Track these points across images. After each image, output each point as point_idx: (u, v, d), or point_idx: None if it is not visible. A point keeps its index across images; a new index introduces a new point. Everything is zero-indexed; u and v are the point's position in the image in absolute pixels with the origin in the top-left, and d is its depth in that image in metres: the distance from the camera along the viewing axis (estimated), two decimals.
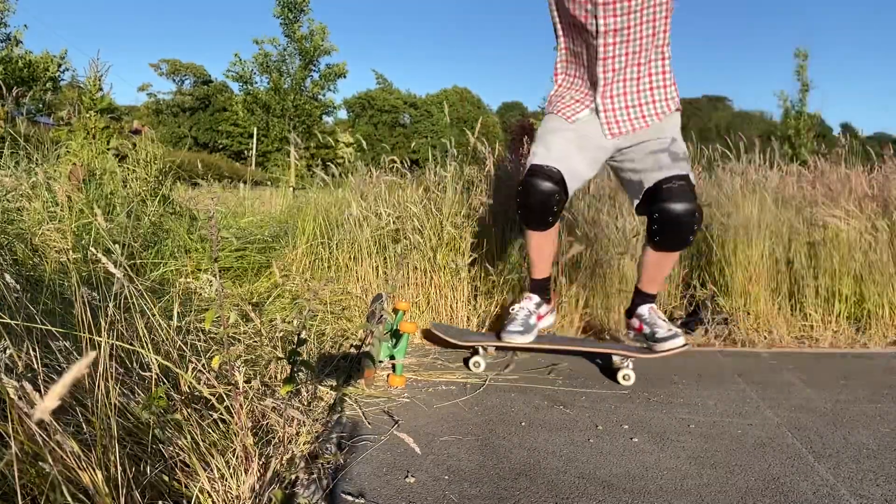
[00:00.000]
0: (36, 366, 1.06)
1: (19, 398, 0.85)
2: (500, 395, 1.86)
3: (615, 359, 2.12)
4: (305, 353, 1.98)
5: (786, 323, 2.71)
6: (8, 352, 1.00)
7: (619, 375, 2.02)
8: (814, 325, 2.72)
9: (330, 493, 1.20)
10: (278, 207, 4.36)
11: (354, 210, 2.84)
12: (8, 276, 1.16)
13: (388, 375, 1.94)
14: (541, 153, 1.98)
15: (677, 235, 1.88)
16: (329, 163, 3.35)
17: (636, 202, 2.00)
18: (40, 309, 1.37)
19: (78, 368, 0.47)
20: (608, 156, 2.04)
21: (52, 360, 1.22)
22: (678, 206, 1.83)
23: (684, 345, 2.03)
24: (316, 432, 1.43)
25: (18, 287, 1.23)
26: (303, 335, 1.38)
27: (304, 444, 1.32)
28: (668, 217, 1.85)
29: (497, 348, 2.21)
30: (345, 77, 21.92)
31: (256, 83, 21.53)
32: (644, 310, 2.10)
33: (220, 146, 41.74)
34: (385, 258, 2.76)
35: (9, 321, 1.13)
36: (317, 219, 2.98)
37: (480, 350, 2.16)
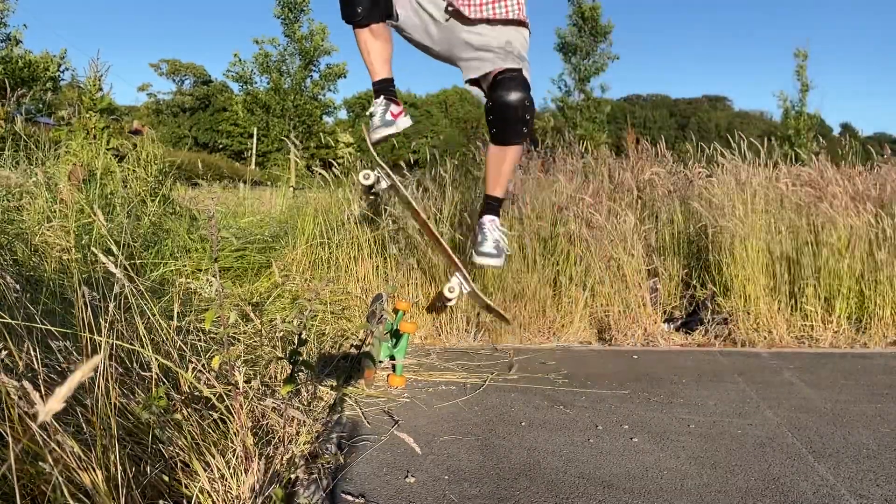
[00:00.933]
0: (36, 366, 1.06)
1: (20, 398, 0.85)
2: (500, 396, 1.86)
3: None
4: (305, 353, 1.98)
5: (786, 323, 2.71)
6: (4, 353, 1.00)
7: (445, 288, 2.02)
8: (814, 325, 2.71)
9: (330, 493, 1.20)
10: (278, 207, 4.36)
11: (355, 210, 2.84)
12: (8, 277, 1.16)
13: (388, 375, 1.94)
14: None
15: (508, 123, 1.99)
16: (330, 162, 3.34)
17: (468, 77, 2.08)
18: (40, 309, 1.37)
19: (83, 371, 0.47)
20: (433, 29, 2.10)
21: (52, 360, 1.22)
22: (508, 95, 1.95)
23: (499, 265, 2.07)
24: (316, 432, 1.43)
25: (18, 287, 1.23)
26: (303, 335, 1.38)
27: (304, 444, 1.32)
28: (499, 104, 1.96)
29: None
30: (345, 77, 21.88)
31: (256, 83, 21.51)
32: (486, 219, 2.13)
33: (220, 146, 41.74)
34: (385, 258, 2.75)
35: (9, 321, 1.13)
36: (317, 219, 2.98)
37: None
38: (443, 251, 2.17)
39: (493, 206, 2.13)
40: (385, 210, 2.82)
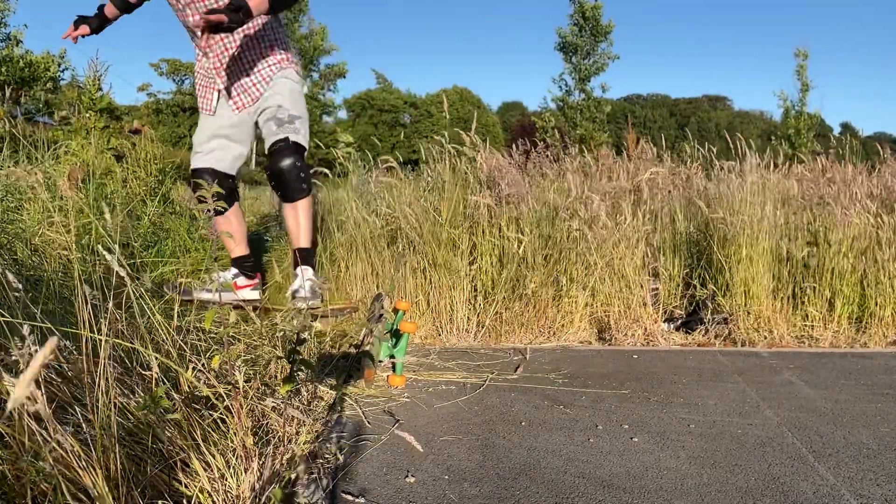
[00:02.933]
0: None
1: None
2: (500, 395, 1.86)
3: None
4: (305, 352, 1.98)
5: (786, 322, 2.71)
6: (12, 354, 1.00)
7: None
8: (814, 324, 2.71)
9: (330, 493, 1.20)
10: (278, 207, 4.35)
11: (354, 210, 2.84)
12: (10, 276, 1.16)
13: (387, 375, 1.94)
14: (198, 157, 2.45)
15: (287, 185, 2.31)
16: (330, 162, 3.35)
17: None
18: (40, 308, 1.37)
19: (43, 354, 0.48)
20: (252, 123, 2.45)
21: (52, 360, 1.22)
22: (280, 163, 2.28)
23: (317, 304, 2.34)
24: (316, 432, 1.43)
25: (20, 286, 1.23)
26: (302, 335, 1.38)
27: (304, 444, 1.32)
28: (275, 171, 2.31)
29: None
30: (344, 77, 21.90)
31: None
32: (299, 270, 2.42)
33: None
34: (385, 258, 2.75)
35: (10, 319, 1.13)
36: (316, 218, 2.98)
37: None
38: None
39: (304, 257, 2.42)
40: (385, 210, 2.82)
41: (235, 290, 2.44)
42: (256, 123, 2.46)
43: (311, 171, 2.38)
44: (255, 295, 2.55)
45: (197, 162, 2.43)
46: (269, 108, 2.36)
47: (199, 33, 2.23)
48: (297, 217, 2.37)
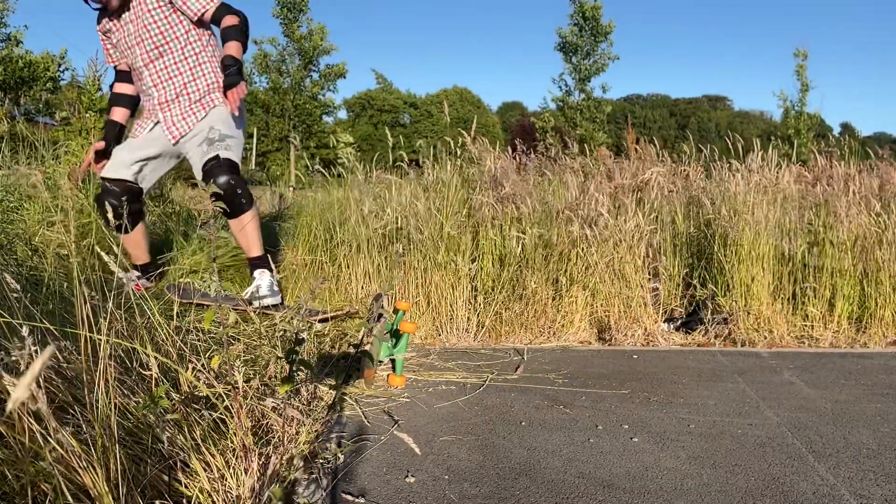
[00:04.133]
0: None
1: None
2: (500, 395, 1.86)
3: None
4: (304, 352, 1.98)
5: (786, 323, 2.71)
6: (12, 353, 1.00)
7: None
8: (814, 324, 2.71)
9: (330, 493, 1.20)
10: (278, 207, 4.35)
11: (355, 210, 2.84)
12: (8, 276, 1.16)
13: (387, 375, 1.94)
14: (107, 168, 2.45)
15: (229, 202, 2.36)
16: (331, 161, 3.35)
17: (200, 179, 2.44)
18: (40, 308, 1.37)
19: (43, 359, 0.48)
20: (176, 150, 2.51)
21: (52, 360, 1.22)
22: (217, 180, 2.33)
23: (278, 301, 2.44)
24: (316, 432, 1.43)
25: (19, 287, 1.22)
26: (301, 335, 1.38)
27: (303, 444, 1.32)
28: (217, 188, 2.33)
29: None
30: (344, 77, 21.87)
31: (256, 83, 21.49)
32: (256, 273, 2.50)
33: None
34: (386, 258, 2.75)
35: (10, 320, 1.13)
36: (316, 218, 2.98)
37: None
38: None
39: (257, 263, 2.49)
40: (386, 209, 2.82)
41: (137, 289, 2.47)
42: (178, 154, 2.55)
43: (246, 185, 2.46)
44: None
45: (105, 172, 2.45)
46: (201, 132, 2.43)
47: (143, 75, 2.46)
48: (245, 230, 2.44)
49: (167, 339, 1.38)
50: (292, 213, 3.54)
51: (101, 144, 2.51)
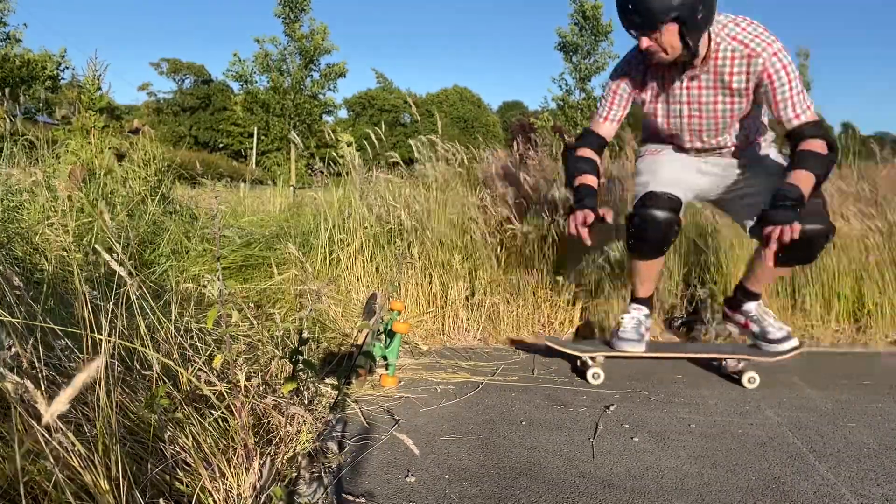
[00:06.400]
0: (38, 365, 1.06)
1: (21, 398, 0.85)
2: (500, 395, 1.86)
3: (729, 362, 2.08)
4: (306, 352, 1.98)
5: (786, 322, 2.71)
6: (14, 350, 1.00)
7: (745, 379, 1.98)
8: (814, 324, 2.71)
9: (330, 492, 1.20)
10: (278, 206, 4.35)
11: (356, 209, 2.84)
12: (10, 274, 1.16)
13: (380, 375, 1.94)
14: (651, 181, 1.96)
15: (807, 253, 1.84)
16: (331, 160, 3.35)
17: (749, 224, 1.92)
18: (41, 307, 1.37)
19: (87, 373, 0.47)
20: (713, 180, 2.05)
21: (53, 359, 1.22)
22: (811, 227, 1.74)
23: (801, 345, 2.05)
24: (317, 431, 1.43)
25: (21, 286, 1.23)
26: (304, 334, 1.38)
27: (305, 443, 1.32)
28: (806, 239, 1.72)
29: (607, 357, 2.13)
30: (344, 76, 21.85)
31: (257, 82, 21.49)
32: (751, 307, 2.10)
33: (221, 145, 41.77)
34: (385, 257, 2.75)
35: (11, 319, 1.13)
36: (317, 218, 2.98)
37: (590, 362, 2.06)
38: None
39: (752, 296, 2.10)
40: (386, 209, 2.82)
41: (646, 332, 2.13)
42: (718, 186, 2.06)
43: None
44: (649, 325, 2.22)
45: (654, 185, 1.95)
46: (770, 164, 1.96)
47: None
48: (782, 273, 2.04)
49: (168, 338, 1.38)
50: (293, 213, 3.54)
51: (591, 215, 1.85)
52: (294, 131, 20.39)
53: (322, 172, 3.31)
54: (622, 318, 2.13)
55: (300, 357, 1.30)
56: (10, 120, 3.38)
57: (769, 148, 2.05)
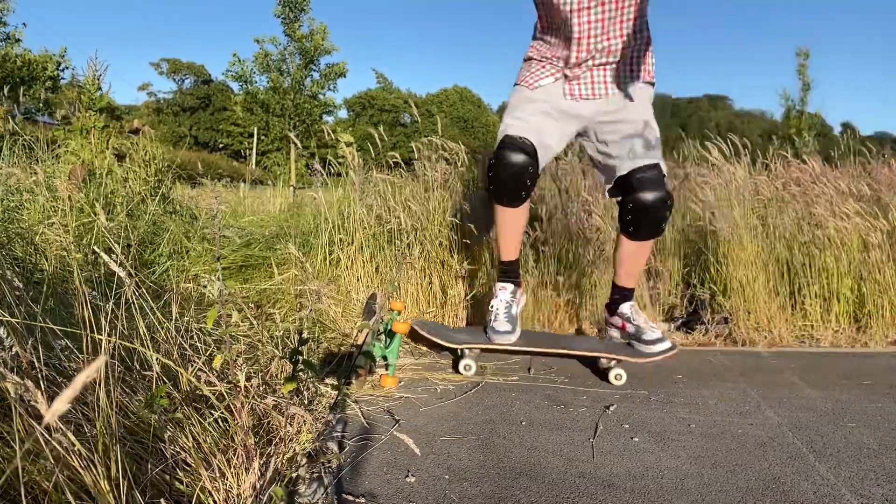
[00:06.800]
0: (38, 365, 1.06)
1: (21, 398, 0.85)
2: (500, 395, 1.86)
3: (601, 360, 2.10)
4: (306, 352, 1.98)
5: (786, 322, 2.71)
6: (14, 349, 1.00)
7: (611, 375, 2.00)
8: (814, 324, 2.71)
9: (331, 492, 1.20)
10: (278, 206, 4.35)
11: (356, 209, 2.84)
12: (9, 274, 1.16)
13: (380, 375, 1.94)
14: (514, 124, 1.98)
15: (651, 224, 1.95)
16: (331, 161, 3.35)
17: (608, 186, 2.05)
18: (41, 307, 1.37)
19: (87, 373, 0.47)
20: (577, 128, 2.05)
21: (52, 359, 1.22)
22: (650, 196, 1.90)
23: (672, 348, 2.06)
24: (317, 431, 1.43)
25: (21, 286, 1.22)
26: (304, 335, 1.38)
27: (305, 443, 1.32)
28: (642, 206, 1.91)
29: (483, 350, 2.13)
30: (344, 76, 21.87)
31: (256, 83, 21.51)
32: (626, 308, 2.13)
33: (221, 145, 41.77)
34: (385, 257, 2.75)
35: (11, 319, 1.13)
36: (317, 218, 2.98)
37: (466, 352, 2.07)
38: None
39: (628, 294, 2.14)
40: (386, 209, 2.82)
41: (518, 307, 2.13)
42: (583, 133, 2.08)
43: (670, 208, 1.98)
44: (523, 302, 2.24)
45: (514, 130, 1.95)
46: (632, 123, 1.95)
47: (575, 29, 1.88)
48: (641, 254, 2.05)
49: (168, 338, 1.38)
50: (293, 213, 3.54)
51: None
52: (294, 131, 20.40)
53: (321, 172, 3.31)
54: (492, 306, 2.12)
55: (300, 357, 1.30)
56: (11, 120, 3.38)
57: (645, 89, 2.01)
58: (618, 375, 2.01)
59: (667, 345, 2.05)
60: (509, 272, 2.15)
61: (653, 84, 2.04)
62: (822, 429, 1.61)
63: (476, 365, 2.05)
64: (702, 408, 1.77)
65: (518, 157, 1.92)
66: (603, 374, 2.06)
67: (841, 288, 2.73)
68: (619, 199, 2.01)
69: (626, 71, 1.97)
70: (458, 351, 2.10)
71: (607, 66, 1.97)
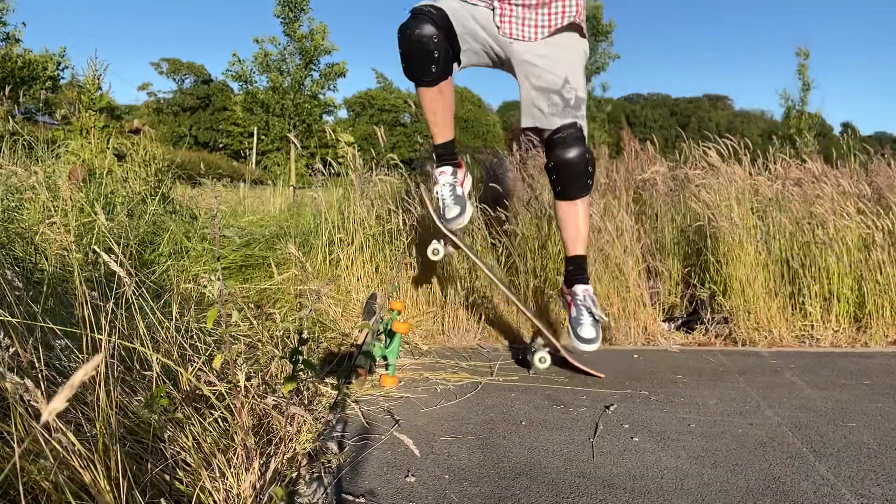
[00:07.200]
0: (37, 364, 1.06)
1: (21, 398, 0.85)
2: (500, 395, 1.86)
3: (538, 339, 2.09)
4: (306, 352, 1.98)
5: (786, 322, 2.71)
6: (13, 350, 1.00)
7: (536, 357, 2.00)
8: (814, 324, 2.71)
9: (331, 492, 1.20)
10: (278, 206, 4.35)
11: (356, 209, 2.84)
12: (10, 274, 1.16)
13: (380, 375, 1.94)
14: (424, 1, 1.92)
15: (574, 181, 1.94)
16: (331, 161, 3.35)
17: (525, 122, 1.99)
18: (41, 307, 1.37)
19: (85, 371, 0.47)
20: (496, 48, 1.97)
21: (53, 359, 1.22)
22: (571, 154, 1.90)
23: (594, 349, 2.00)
24: (317, 431, 1.43)
25: (21, 285, 1.22)
26: (304, 335, 1.38)
27: (305, 443, 1.32)
28: (563, 164, 1.92)
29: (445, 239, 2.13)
30: (344, 76, 21.86)
31: (256, 83, 21.51)
32: (580, 290, 2.04)
33: (221, 145, 41.76)
34: (385, 257, 2.76)
35: (11, 319, 1.13)
36: (317, 218, 2.98)
37: (435, 241, 2.09)
38: (522, 312, 2.19)
39: (583, 267, 2.03)
40: (386, 209, 2.82)
41: (462, 188, 2.08)
42: (503, 63, 2.01)
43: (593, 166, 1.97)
44: (469, 183, 2.19)
45: (423, 2, 1.92)
46: (553, 74, 1.90)
47: None
48: (574, 215, 1.99)
49: (168, 338, 1.38)
50: (293, 213, 3.54)
51: None
52: (294, 131, 20.39)
53: (322, 172, 3.31)
54: (435, 193, 2.08)
55: (300, 357, 1.30)
56: (11, 120, 3.38)
57: (576, 44, 1.97)
58: (542, 359, 2.00)
59: (593, 348, 1.97)
60: (444, 155, 2.09)
61: (583, 33, 1.98)
62: (822, 429, 1.61)
63: (444, 249, 2.07)
64: (702, 408, 1.77)
65: (420, 26, 1.86)
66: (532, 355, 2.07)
67: (841, 288, 2.73)
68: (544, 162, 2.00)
69: (554, 15, 1.91)
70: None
71: (538, 8, 1.90)
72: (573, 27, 1.95)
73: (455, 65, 2.00)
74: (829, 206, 2.84)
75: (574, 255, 2.05)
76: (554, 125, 1.92)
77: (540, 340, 2.13)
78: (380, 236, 2.76)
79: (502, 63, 2.02)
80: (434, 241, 2.07)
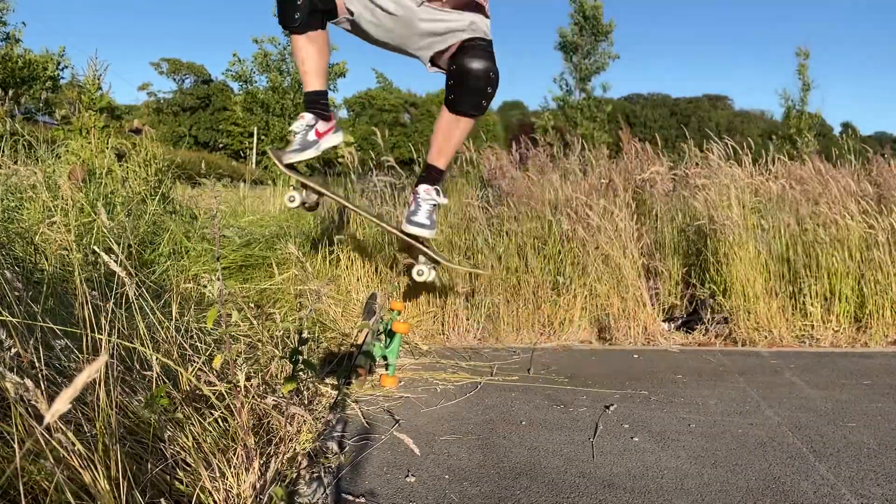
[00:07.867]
0: (38, 364, 1.06)
1: (21, 398, 0.85)
2: (500, 395, 1.86)
3: (421, 258, 2.12)
4: (306, 352, 1.98)
5: (786, 322, 2.71)
6: (14, 350, 1.00)
7: (414, 271, 2.04)
8: (814, 324, 2.71)
9: (331, 492, 1.20)
10: (278, 206, 4.35)
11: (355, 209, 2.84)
12: (9, 274, 1.16)
13: (380, 375, 1.94)
14: None
15: (472, 94, 1.91)
16: (331, 161, 3.35)
17: (432, 54, 1.98)
18: (41, 307, 1.37)
19: (88, 373, 0.47)
20: (391, 5, 1.96)
21: (53, 359, 1.22)
22: (475, 64, 1.86)
23: (430, 236, 2.06)
24: (317, 431, 1.43)
25: (21, 285, 1.22)
26: (304, 335, 1.38)
27: (305, 443, 1.32)
28: (465, 71, 1.87)
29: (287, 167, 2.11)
30: (344, 76, 21.85)
31: (256, 82, 21.50)
32: (422, 189, 2.07)
33: (221, 145, 41.76)
34: (385, 256, 2.75)
35: (11, 319, 1.13)
36: (317, 218, 2.98)
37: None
38: (397, 238, 2.21)
39: (433, 176, 2.08)
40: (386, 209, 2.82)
41: (318, 138, 2.09)
42: (397, 23, 1.99)
43: None
44: (338, 139, 2.20)
45: None
46: (457, 19, 1.92)
47: None
48: (455, 131, 1.99)
49: (168, 338, 1.38)
50: (293, 214, 3.54)
51: None
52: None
53: (323, 173, 3.31)
54: (291, 129, 2.10)
55: (300, 357, 1.30)
56: (11, 120, 3.38)
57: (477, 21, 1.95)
58: (419, 272, 2.03)
59: (418, 231, 2.02)
60: (311, 102, 2.11)
61: (486, 14, 1.97)
62: (822, 429, 1.61)
63: (299, 197, 2.09)
64: (702, 408, 1.77)
65: None
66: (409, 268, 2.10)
67: (842, 288, 2.72)
68: (446, 69, 1.96)
69: None
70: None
71: None
72: (476, 7, 1.94)
73: (345, 22, 2.01)
74: (832, 206, 2.84)
75: (433, 164, 2.08)
76: (463, 38, 1.90)
77: (422, 258, 2.14)
78: (379, 235, 2.76)
79: (396, 23, 1.98)
80: (292, 189, 2.08)
